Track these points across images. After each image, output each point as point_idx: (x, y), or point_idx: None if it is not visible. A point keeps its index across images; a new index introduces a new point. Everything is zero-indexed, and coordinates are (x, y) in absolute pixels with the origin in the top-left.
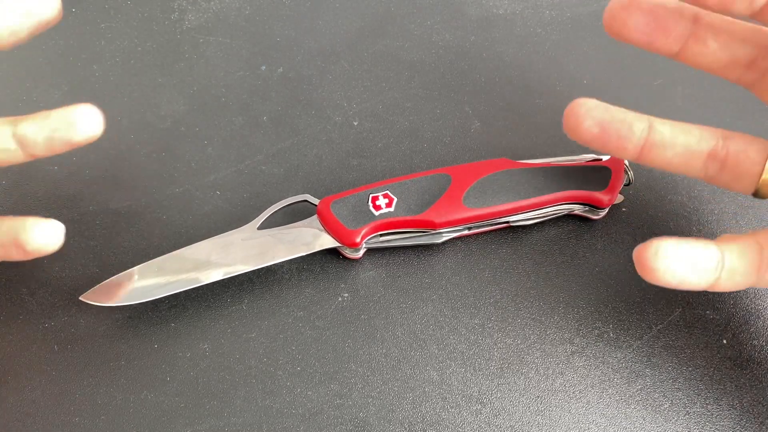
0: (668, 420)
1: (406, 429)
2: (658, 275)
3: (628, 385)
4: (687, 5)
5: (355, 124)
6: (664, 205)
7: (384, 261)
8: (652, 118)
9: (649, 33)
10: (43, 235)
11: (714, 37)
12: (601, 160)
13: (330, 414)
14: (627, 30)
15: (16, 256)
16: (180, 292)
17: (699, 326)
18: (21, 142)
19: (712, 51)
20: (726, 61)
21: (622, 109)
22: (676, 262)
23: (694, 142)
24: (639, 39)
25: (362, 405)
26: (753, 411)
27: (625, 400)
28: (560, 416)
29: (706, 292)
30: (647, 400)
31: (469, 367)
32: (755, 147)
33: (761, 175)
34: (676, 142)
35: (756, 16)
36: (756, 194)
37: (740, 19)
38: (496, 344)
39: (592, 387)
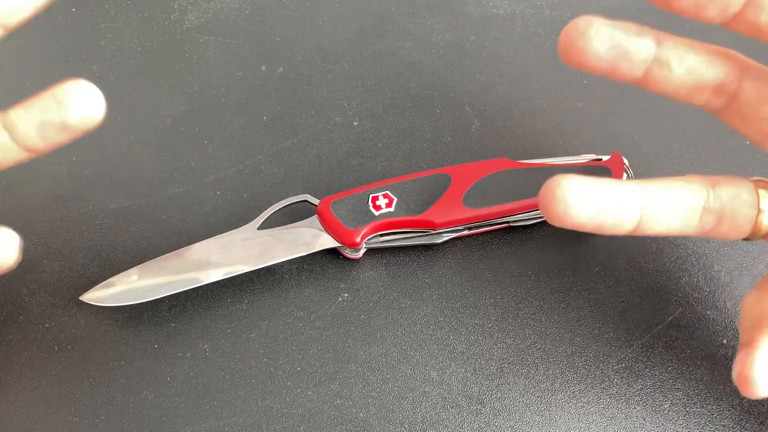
0: (668, 420)
1: (406, 429)
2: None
3: (628, 385)
4: (647, 28)
5: (355, 124)
6: None
7: (384, 261)
8: (644, 186)
9: (610, 61)
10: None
11: (678, 61)
12: (601, 160)
13: (330, 414)
14: (586, 59)
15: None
16: (180, 292)
17: (699, 326)
18: (12, 133)
19: (677, 75)
20: (692, 86)
21: (612, 183)
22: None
23: (689, 199)
24: (599, 67)
25: (362, 405)
26: (753, 411)
27: (625, 400)
28: (560, 416)
29: (706, 292)
30: (647, 400)
31: (469, 367)
32: (745, 188)
33: (758, 217)
34: (670, 206)
35: (729, 24)
36: (748, 238)
37: (706, 42)
38: (496, 344)
39: (592, 387)
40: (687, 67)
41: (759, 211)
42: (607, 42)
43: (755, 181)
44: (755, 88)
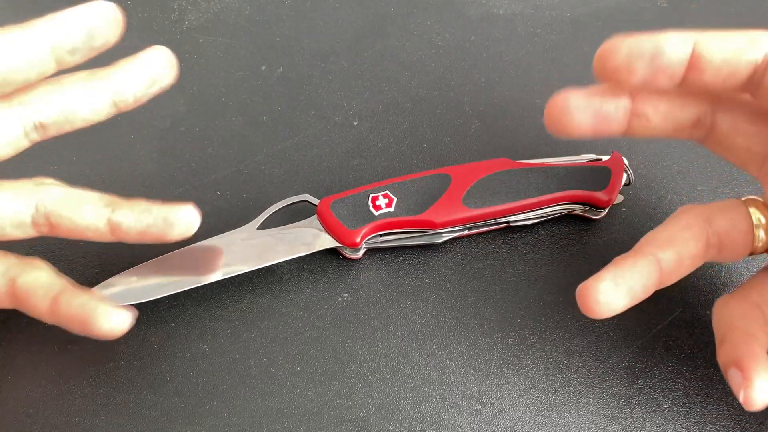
0: (668, 420)
1: (405, 429)
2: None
3: (628, 385)
4: (620, 86)
5: (355, 124)
6: (664, 205)
7: (384, 261)
8: (651, 249)
9: (593, 127)
10: (114, 322)
11: (654, 110)
12: (601, 160)
13: (330, 414)
14: (571, 130)
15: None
16: (180, 293)
17: (699, 326)
18: (113, 227)
19: (655, 124)
20: (672, 128)
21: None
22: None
23: (694, 248)
24: (585, 134)
25: (362, 405)
26: (754, 412)
27: (625, 400)
28: (560, 416)
29: (706, 292)
30: (647, 400)
31: (469, 367)
32: (739, 217)
33: (754, 241)
34: (683, 262)
35: (681, 87)
36: (749, 254)
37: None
38: (495, 344)
39: (592, 387)
40: (662, 114)
41: (754, 234)
42: (587, 113)
43: (747, 201)
44: (728, 121)
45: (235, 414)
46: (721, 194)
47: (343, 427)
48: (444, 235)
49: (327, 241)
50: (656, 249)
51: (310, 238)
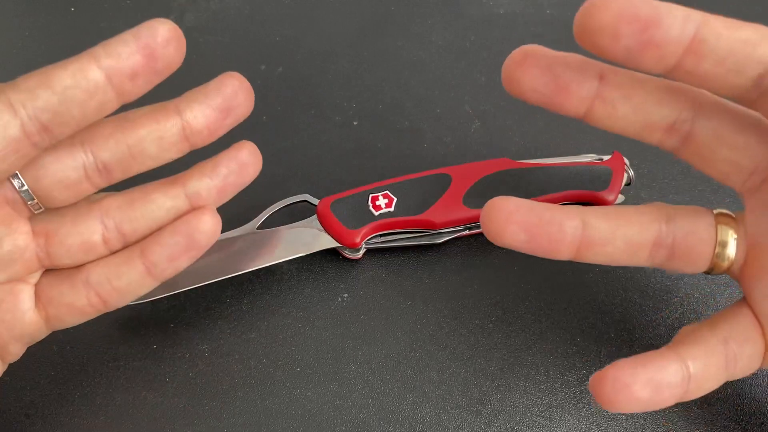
0: (668, 420)
1: (405, 430)
2: (620, 407)
3: None
4: (591, 61)
5: (355, 124)
6: None
7: (384, 261)
8: (586, 212)
9: (547, 94)
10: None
11: (624, 99)
12: (602, 159)
13: (329, 415)
14: (522, 89)
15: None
16: (179, 293)
17: None
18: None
19: (622, 115)
20: (641, 125)
21: (549, 205)
22: (637, 390)
23: (636, 233)
24: (537, 100)
25: (362, 406)
26: (753, 412)
27: None
28: (561, 417)
29: (706, 292)
30: None
31: (469, 367)
32: (702, 225)
33: (713, 254)
34: (615, 237)
35: (671, 74)
36: (709, 272)
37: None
38: (496, 345)
39: None
40: (633, 105)
41: (716, 248)
42: (544, 74)
43: (717, 215)
44: (711, 128)
45: (234, 414)
46: (723, 195)
47: (343, 428)
48: (444, 235)
49: (327, 242)
50: (593, 214)
51: (310, 238)
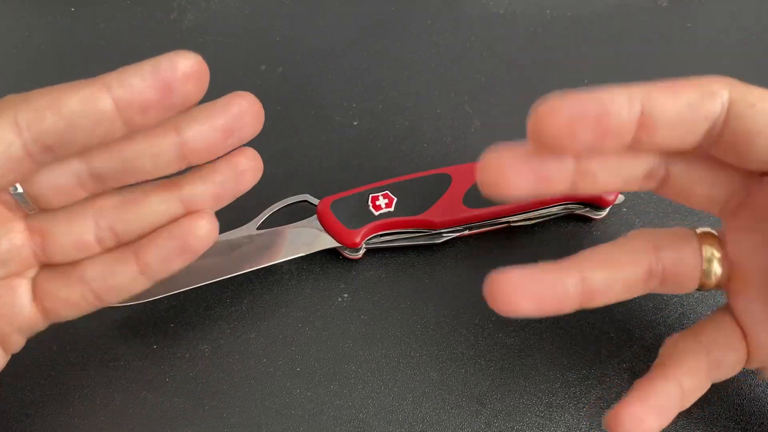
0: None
1: (405, 430)
2: None
3: (629, 386)
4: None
5: (355, 124)
6: (665, 205)
7: (384, 261)
8: (581, 264)
9: (532, 190)
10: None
11: (602, 168)
12: None
13: (330, 414)
14: (507, 193)
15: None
16: (179, 293)
17: None
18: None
19: (603, 182)
20: (621, 183)
21: (547, 267)
22: (649, 422)
23: (631, 273)
24: (523, 196)
25: (362, 405)
26: (754, 412)
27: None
28: (561, 417)
29: (708, 294)
30: None
31: (470, 367)
32: (688, 250)
33: (701, 275)
34: (614, 283)
35: (634, 148)
36: (699, 289)
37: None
38: (496, 345)
39: (592, 387)
40: (610, 170)
41: (703, 268)
42: (526, 175)
43: (700, 236)
44: (684, 170)
45: (234, 414)
46: None
47: (343, 428)
48: (444, 235)
49: (327, 241)
50: (589, 266)
51: (310, 238)
